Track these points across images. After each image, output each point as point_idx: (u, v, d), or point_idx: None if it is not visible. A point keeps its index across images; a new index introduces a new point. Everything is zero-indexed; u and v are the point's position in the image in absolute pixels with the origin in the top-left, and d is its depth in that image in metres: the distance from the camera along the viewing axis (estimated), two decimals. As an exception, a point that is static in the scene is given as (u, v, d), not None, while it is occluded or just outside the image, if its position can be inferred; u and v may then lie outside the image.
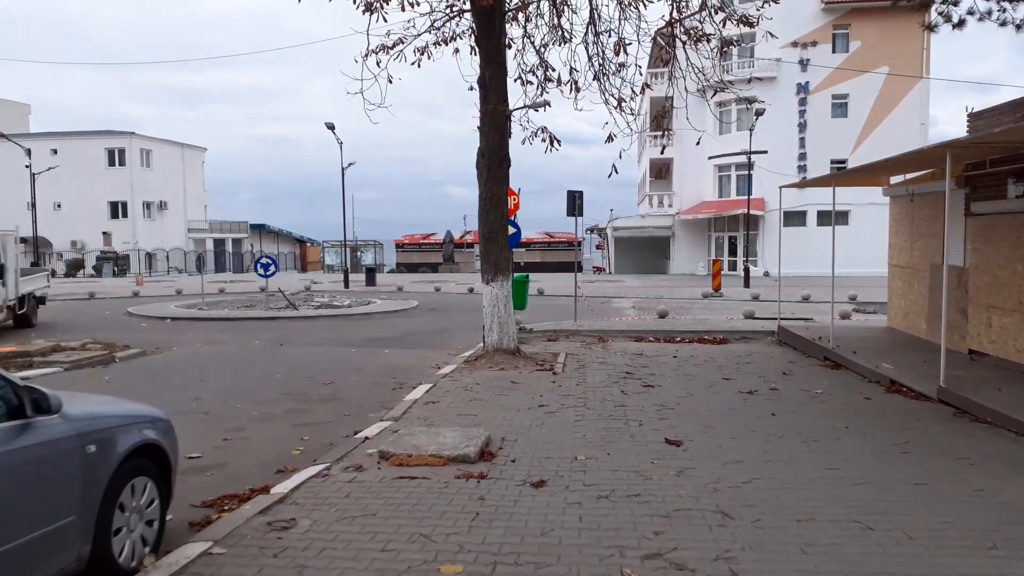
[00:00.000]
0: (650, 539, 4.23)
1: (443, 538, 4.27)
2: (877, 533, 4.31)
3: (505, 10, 11.06)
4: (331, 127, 33.12)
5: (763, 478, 5.37)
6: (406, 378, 10.30)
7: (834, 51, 39.99)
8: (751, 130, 32.12)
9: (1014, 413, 6.88)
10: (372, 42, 10.77)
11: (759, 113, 31.19)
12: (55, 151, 49.61)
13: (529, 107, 11.65)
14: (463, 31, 11.73)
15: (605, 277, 44.04)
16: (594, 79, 11.48)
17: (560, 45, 11.48)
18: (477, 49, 11.17)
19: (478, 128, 11.27)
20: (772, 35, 11.34)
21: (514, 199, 14.34)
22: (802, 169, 39.73)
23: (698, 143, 14.62)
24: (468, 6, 10.93)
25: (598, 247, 63.91)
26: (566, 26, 11.34)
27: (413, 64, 11.61)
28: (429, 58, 11.71)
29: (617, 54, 10.92)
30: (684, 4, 10.86)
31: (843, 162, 38.17)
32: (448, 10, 11.51)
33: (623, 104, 11.23)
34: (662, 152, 33.77)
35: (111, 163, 53.25)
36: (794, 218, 38.42)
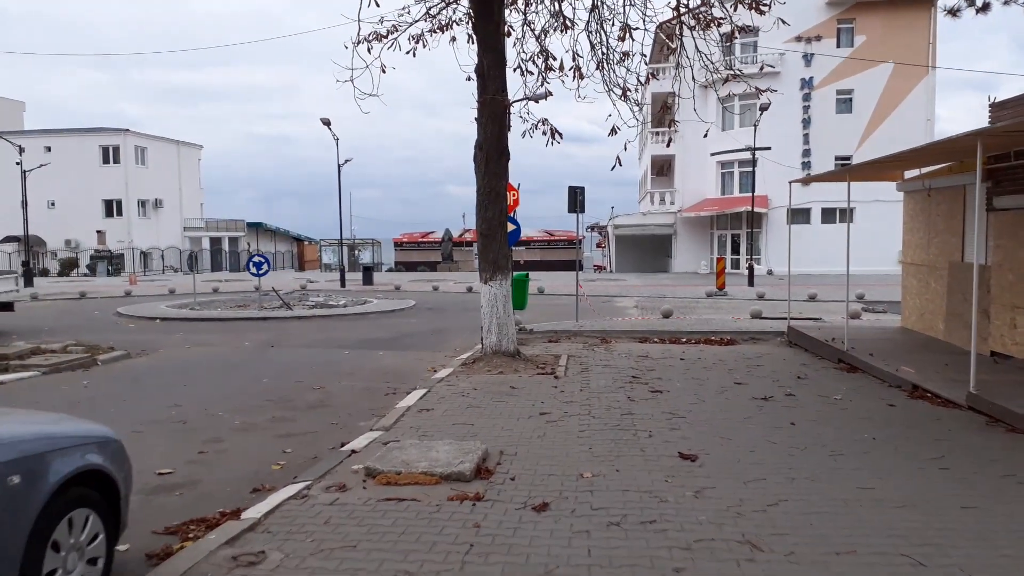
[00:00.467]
0: (670, 577, 3.69)
1: (432, 576, 3.73)
2: (931, 571, 3.76)
3: (504, -5, 10.53)
4: (327, 122, 32.65)
5: (790, 499, 4.83)
6: (400, 383, 9.77)
7: (838, 45, 39.29)
8: (755, 125, 31.51)
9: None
10: (365, 30, 10.25)
11: (763, 108, 30.54)
12: (49, 148, 48.96)
13: (529, 99, 11.09)
14: (460, 18, 11.23)
15: (606, 276, 43.47)
16: (597, 68, 10.94)
17: (562, 32, 10.93)
18: (475, 36, 10.64)
19: (476, 120, 10.74)
20: (784, 22, 10.78)
21: (513, 195, 13.75)
22: (806, 166, 39.12)
23: (706, 135, 14.07)
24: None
25: (599, 245, 63.32)
26: (568, 13, 10.80)
27: (408, 53, 11.13)
28: (425, 47, 11.25)
29: (622, 40, 10.36)
30: None
31: (848, 158, 37.54)
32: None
33: (627, 94, 10.71)
34: (667, 145, 33.13)
35: (106, 161, 52.45)
36: (798, 216, 37.81)
